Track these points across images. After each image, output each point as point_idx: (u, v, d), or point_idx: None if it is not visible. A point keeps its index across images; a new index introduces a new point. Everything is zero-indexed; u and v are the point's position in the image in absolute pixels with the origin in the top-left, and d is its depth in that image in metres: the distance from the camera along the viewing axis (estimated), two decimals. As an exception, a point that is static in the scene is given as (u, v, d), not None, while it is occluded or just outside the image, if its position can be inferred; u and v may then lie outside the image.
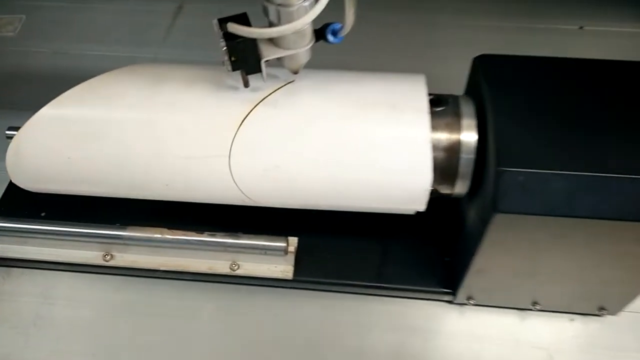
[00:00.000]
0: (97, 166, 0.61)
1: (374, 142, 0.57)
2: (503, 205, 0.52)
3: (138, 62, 1.07)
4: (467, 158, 0.58)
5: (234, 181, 0.59)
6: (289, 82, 0.60)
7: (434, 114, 0.58)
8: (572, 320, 0.70)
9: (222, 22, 0.53)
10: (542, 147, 0.53)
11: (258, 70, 0.56)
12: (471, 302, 0.70)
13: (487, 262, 0.61)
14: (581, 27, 1.05)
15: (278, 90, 0.59)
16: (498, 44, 1.03)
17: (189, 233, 0.69)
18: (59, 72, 1.03)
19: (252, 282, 0.72)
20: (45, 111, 0.61)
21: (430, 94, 0.59)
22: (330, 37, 0.55)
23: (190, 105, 0.59)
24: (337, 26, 0.54)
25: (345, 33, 0.54)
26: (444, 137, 0.58)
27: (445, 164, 0.59)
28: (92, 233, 0.70)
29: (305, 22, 0.51)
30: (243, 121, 0.58)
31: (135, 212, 0.71)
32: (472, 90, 0.65)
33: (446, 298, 0.71)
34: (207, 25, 1.13)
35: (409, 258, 0.71)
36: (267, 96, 0.59)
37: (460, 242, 0.67)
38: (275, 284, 0.71)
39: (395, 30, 1.08)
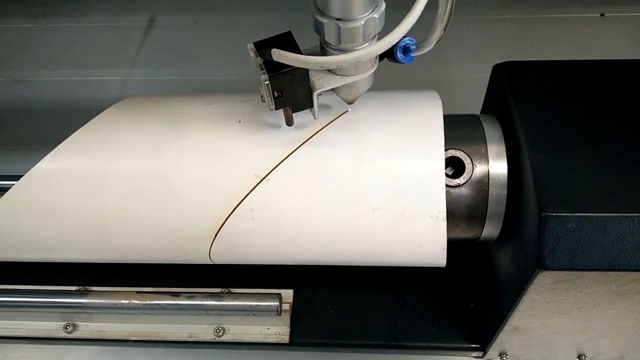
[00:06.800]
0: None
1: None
2: (550, 261, 0.40)
3: (107, 86, 0.97)
4: (497, 195, 0.46)
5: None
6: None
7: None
8: (625, 370, 0.59)
9: (261, 47, 0.39)
10: (594, 181, 0.41)
11: (308, 105, 0.43)
12: (505, 358, 0.58)
13: (526, 320, 0.49)
14: (602, 15, 0.96)
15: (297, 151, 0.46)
16: (514, 38, 0.92)
17: (162, 296, 0.57)
18: (18, 103, 0.91)
19: (243, 346, 0.60)
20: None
21: (447, 148, 0.46)
22: (400, 56, 0.40)
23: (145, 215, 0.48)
24: (411, 42, 0.39)
25: (425, 52, 0.39)
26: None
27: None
28: (49, 302, 0.59)
29: (389, 42, 0.36)
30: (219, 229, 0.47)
31: (98, 268, 0.61)
32: (494, 105, 0.53)
33: (474, 354, 0.59)
34: (182, 39, 1.04)
35: (427, 309, 0.59)
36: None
37: (489, 290, 0.55)
38: (271, 347, 0.60)
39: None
